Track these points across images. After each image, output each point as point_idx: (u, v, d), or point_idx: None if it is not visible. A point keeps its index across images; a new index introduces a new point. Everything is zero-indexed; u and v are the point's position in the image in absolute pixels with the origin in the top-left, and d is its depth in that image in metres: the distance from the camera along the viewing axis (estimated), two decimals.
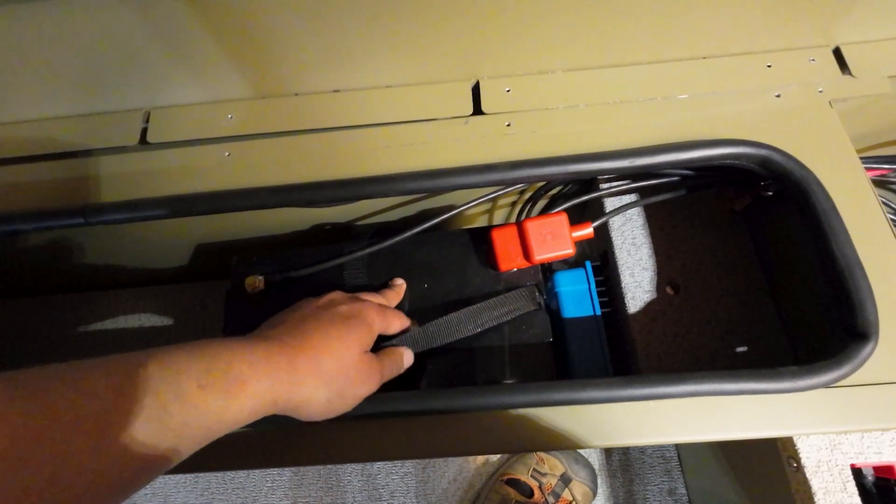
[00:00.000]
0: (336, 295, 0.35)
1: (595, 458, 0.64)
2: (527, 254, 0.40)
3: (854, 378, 0.29)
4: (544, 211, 0.51)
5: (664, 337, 0.45)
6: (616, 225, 0.49)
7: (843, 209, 0.33)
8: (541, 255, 0.39)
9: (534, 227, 0.39)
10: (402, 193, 0.37)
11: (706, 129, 0.38)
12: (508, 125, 0.40)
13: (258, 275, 0.41)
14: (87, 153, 0.43)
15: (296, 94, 0.43)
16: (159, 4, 0.36)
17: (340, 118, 0.42)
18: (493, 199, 0.44)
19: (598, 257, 0.53)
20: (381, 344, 0.36)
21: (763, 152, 0.35)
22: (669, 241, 0.48)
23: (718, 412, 0.30)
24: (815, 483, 0.34)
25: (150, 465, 0.21)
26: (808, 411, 0.29)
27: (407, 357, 0.36)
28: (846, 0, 0.39)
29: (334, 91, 0.43)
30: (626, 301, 0.46)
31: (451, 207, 0.41)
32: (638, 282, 0.47)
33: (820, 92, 0.38)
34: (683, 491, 0.59)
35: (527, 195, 0.51)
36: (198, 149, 0.42)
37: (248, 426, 0.26)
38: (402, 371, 0.35)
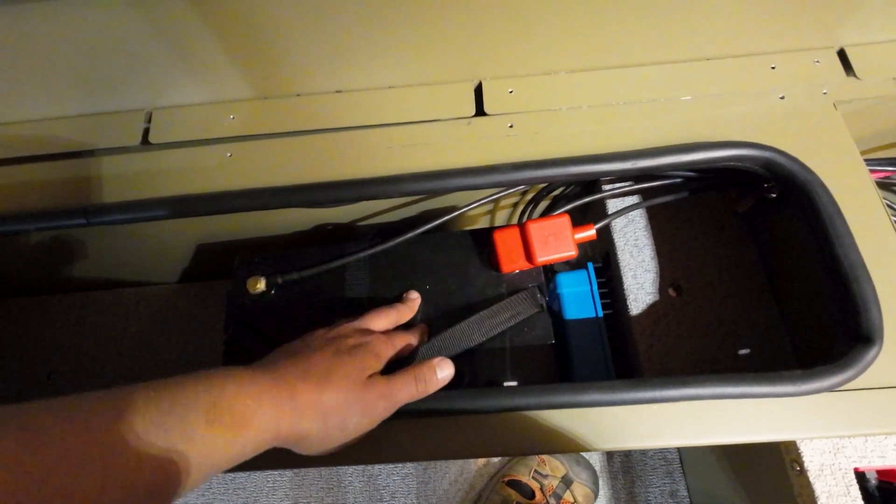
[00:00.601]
0: (345, 328, 0.35)
1: (596, 460, 0.64)
2: (529, 255, 0.39)
3: (858, 382, 0.29)
4: (546, 212, 0.51)
5: (666, 339, 0.45)
6: (618, 226, 0.49)
7: (847, 212, 0.33)
8: (543, 256, 0.39)
9: (536, 229, 0.39)
10: (405, 195, 0.37)
11: (709, 131, 0.38)
12: (511, 126, 0.40)
13: (260, 275, 0.41)
14: (89, 153, 0.43)
15: (298, 95, 0.43)
16: (161, 5, 0.36)
17: (343, 119, 0.42)
18: (496, 201, 0.44)
19: (601, 259, 0.53)
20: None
21: (767, 154, 0.34)
22: (672, 242, 0.48)
23: (721, 415, 0.30)
24: (819, 487, 0.34)
25: (156, 500, 0.22)
26: (811, 415, 0.29)
27: (442, 370, 0.34)
28: (850, 2, 0.39)
29: (336, 92, 0.43)
30: (628, 303, 0.46)
31: (454, 208, 0.41)
32: (640, 283, 0.47)
33: (824, 94, 0.38)
34: (685, 493, 0.59)
35: (529, 196, 0.51)
36: (200, 149, 0.41)
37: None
38: (435, 386, 0.33)
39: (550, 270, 0.49)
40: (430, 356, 0.36)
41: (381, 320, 0.37)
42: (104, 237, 0.49)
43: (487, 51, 0.41)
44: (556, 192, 0.51)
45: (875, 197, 0.34)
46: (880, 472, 0.38)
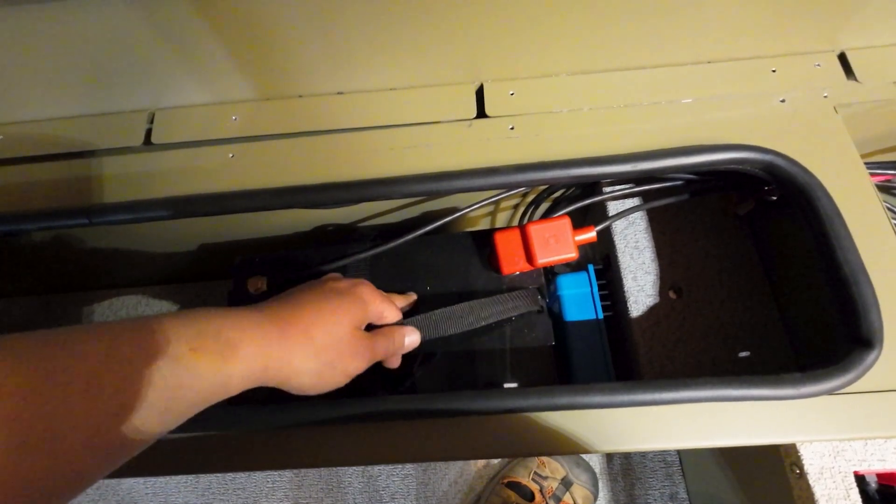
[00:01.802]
0: (335, 275, 0.36)
1: (596, 462, 0.64)
2: (529, 257, 0.40)
3: (858, 385, 0.29)
4: (547, 214, 0.51)
5: (666, 341, 0.45)
6: (619, 228, 0.49)
7: (847, 215, 0.33)
8: (544, 258, 0.39)
9: (537, 231, 0.39)
10: (406, 196, 0.37)
11: (710, 134, 0.38)
12: (512, 128, 0.40)
13: (261, 275, 0.41)
14: (92, 154, 0.43)
15: (300, 96, 0.43)
16: (164, 6, 0.36)
17: (344, 120, 0.42)
18: (497, 202, 0.44)
19: (601, 261, 0.53)
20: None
21: (767, 158, 0.34)
22: (672, 244, 0.48)
23: (721, 418, 0.30)
24: (818, 490, 0.34)
25: (145, 427, 0.22)
26: (811, 418, 0.29)
27: (409, 337, 0.36)
28: (851, 5, 0.39)
29: (338, 93, 0.43)
30: (628, 305, 0.46)
31: (454, 210, 0.41)
32: (640, 286, 0.47)
33: (825, 97, 0.38)
34: (685, 496, 0.59)
35: (529, 198, 0.51)
36: (202, 150, 0.42)
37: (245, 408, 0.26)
38: (400, 350, 0.35)
39: (551, 272, 0.49)
40: (424, 328, 0.37)
41: (391, 305, 0.37)
42: (106, 237, 0.49)
43: (489, 53, 0.41)
44: (556, 194, 0.51)
45: (875, 200, 0.34)
46: (880, 476, 0.38)
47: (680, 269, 0.47)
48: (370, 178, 0.38)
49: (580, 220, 0.46)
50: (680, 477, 0.60)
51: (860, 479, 0.39)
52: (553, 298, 0.48)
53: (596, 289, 0.48)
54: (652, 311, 0.46)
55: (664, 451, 0.62)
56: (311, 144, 0.41)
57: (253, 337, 0.26)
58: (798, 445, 0.34)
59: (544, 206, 0.52)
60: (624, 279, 0.47)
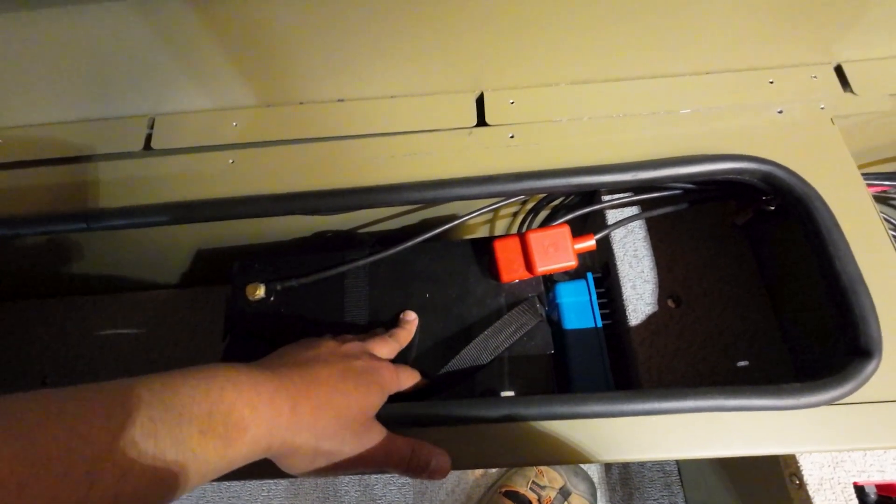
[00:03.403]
0: (354, 347, 0.33)
1: (594, 472, 0.63)
2: (529, 265, 0.40)
3: (857, 395, 0.29)
4: (546, 222, 0.52)
5: (665, 350, 0.45)
6: (618, 237, 0.49)
7: (845, 225, 0.33)
8: (543, 266, 0.39)
9: (536, 239, 0.39)
10: (405, 203, 0.37)
11: (708, 144, 0.38)
12: (512, 137, 0.40)
13: (259, 282, 0.41)
14: (92, 158, 0.43)
15: (301, 103, 0.43)
16: (166, 11, 0.36)
17: (345, 127, 0.42)
18: (496, 210, 0.44)
19: (600, 269, 0.53)
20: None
21: (765, 168, 0.35)
22: (671, 253, 0.48)
23: (720, 428, 0.30)
24: (818, 501, 0.33)
25: None
26: (810, 428, 0.29)
27: (436, 460, 0.31)
28: (848, 18, 0.39)
29: (339, 100, 0.43)
30: (627, 313, 0.46)
31: (454, 217, 0.41)
32: (639, 294, 0.47)
33: (822, 108, 0.39)
34: None
35: (529, 206, 0.51)
36: (202, 156, 0.42)
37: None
38: (423, 474, 0.31)
39: (549, 280, 0.49)
40: (443, 387, 0.36)
41: (384, 348, 0.35)
42: (105, 241, 0.49)
43: (489, 62, 0.41)
44: (555, 203, 0.51)
45: (872, 211, 0.34)
46: (879, 487, 0.38)
47: (678, 278, 0.47)
48: (369, 186, 0.38)
49: (580, 229, 0.46)
50: (679, 487, 0.60)
51: (859, 490, 0.39)
52: (552, 307, 0.48)
53: (595, 297, 0.48)
54: (651, 319, 0.46)
55: (663, 461, 0.62)
56: (312, 151, 0.41)
57: (264, 418, 0.24)
58: (797, 456, 0.34)
59: (543, 214, 0.52)
60: (623, 288, 0.47)
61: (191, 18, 0.37)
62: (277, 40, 0.39)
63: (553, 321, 0.47)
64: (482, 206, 0.42)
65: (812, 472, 0.34)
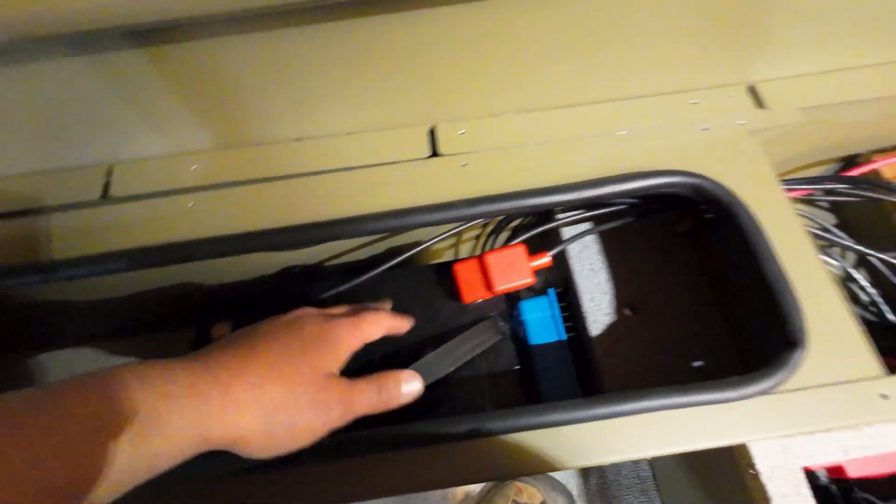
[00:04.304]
0: (305, 311, 0.32)
1: (574, 485, 0.64)
2: (488, 285, 0.41)
3: (790, 384, 0.32)
4: (507, 242, 0.54)
5: (626, 357, 0.47)
6: (574, 252, 0.52)
7: (767, 228, 0.36)
8: (501, 285, 0.41)
9: (493, 260, 0.41)
10: (364, 234, 0.39)
11: (644, 161, 0.41)
12: (464, 165, 0.42)
13: (224, 322, 0.41)
14: (48, 210, 0.43)
15: (259, 144, 0.45)
16: (119, 64, 0.37)
17: (304, 165, 0.44)
18: (458, 234, 0.46)
19: (562, 284, 0.55)
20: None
21: (694, 181, 0.38)
22: (625, 264, 0.51)
23: (673, 425, 0.32)
24: (771, 488, 0.35)
25: None
26: (752, 419, 0.31)
27: (408, 385, 0.31)
28: (758, 44, 0.44)
29: (297, 139, 0.45)
30: (587, 324, 0.48)
31: (417, 244, 0.43)
32: (598, 305, 0.49)
33: (741, 124, 0.42)
34: None
35: (489, 228, 0.53)
36: (161, 200, 0.42)
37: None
38: (395, 401, 0.31)
39: (515, 297, 0.51)
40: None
41: (375, 327, 0.33)
42: (62, 292, 0.48)
43: (439, 96, 0.44)
44: (515, 223, 0.54)
45: (791, 213, 0.38)
46: (829, 470, 0.40)
47: (634, 288, 0.50)
48: (328, 220, 0.39)
49: (540, 246, 0.48)
50: (654, 491, 0.61)
51: (811, 475, 0.41)
52: (518, 323, 0.50)
53: (558, 311, 0.50)
54: (610, 328, 0.48)
55: (638, 466, 0.64)
56: (271, 190, 0.43)
57: (185, 406, 0.22)
58: (750, 447, 0.36)
59: (504, 235, 0.54)
60: (582, 300, 0.49)
61: (144, 69, 0.38)
62: (232, 85, 0.41)
63: (519, 337, 0.49)
64: (442, 231, 0.43)
65: (764, 461, 0.36)
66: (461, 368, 0.41)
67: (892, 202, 0.48)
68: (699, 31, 0.42)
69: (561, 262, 0.52)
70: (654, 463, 0.60)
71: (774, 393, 0.32)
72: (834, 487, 0.41)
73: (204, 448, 0.24)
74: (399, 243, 0.51)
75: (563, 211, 0.50)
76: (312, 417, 0.27)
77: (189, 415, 0.23)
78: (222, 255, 0.38)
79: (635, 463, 0.62)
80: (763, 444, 0.37)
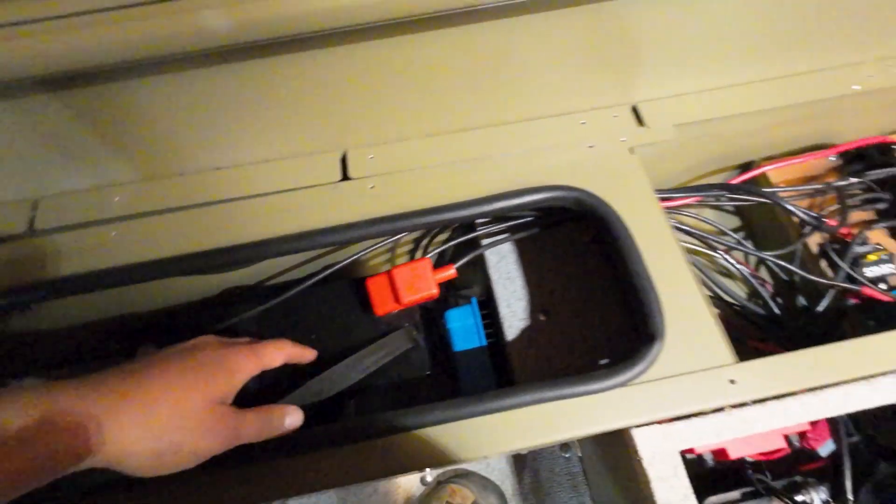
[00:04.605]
0: (205, 339, 0.33)
1: (508, 485, 0.67)
2: (397, 298, 0.44)
3: (651, 374, 0.35)
4: (443, 253, 0.57)
5: (538, 359, 0.50)
6: (493, 262, 0.55)
7: (639, 234, 0.40)
8: (408, 298, 0.44)
9: (400, 274, 0.44)
10: (274, 256, 0.42)
11: (535, 178, 0.45)
12: (372, 187, 0.46)
13: (147, 345, 0.44)
14: None
15: (180, 175, 0.48)
16: (39, 107, 0.40)
17: (223, 192, 0.46)
18: (394, 247, 0.49)
19: (484, 293, 0.59)
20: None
21: (574, 194, 0.42)
22: (539, 272, 0.54)
23: (552, 417, 0.35)
24: (652, 472, 0.39)
25: None
26: (616, 408, 0.35)
27: (290, 418, 0.34)
28: (640, 67, 0.48)
29: (216, 169, 0.48)
30: (504, 330, 0.52)
31: (339, 262, 0.46)
32: (514, 311, 0.52)
33: (622, 141, 0.47)
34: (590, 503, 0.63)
35: (424, 241, 0.56)
36: (85, 231, 0.44)
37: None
38: (277, 432, 0.33)
39: (445, 307, 0.54)
40: (306, 399, 0.39)
41: (276, 354, 0.35)
42: None
43: (350, 125, 0.47)
44: (443, 236, 0.57)
45: (662, 220, 0.42)
46: (715, 452, 0.44)
47: (547, 293, 0.53)
48: (242, 243, 0.42)
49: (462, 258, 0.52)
50: (585, 487, 0.65)
51: (699, 459, 0.45)
52: (444, 332, 0.53)
53: (479, 319, 0.53)
54: (524, 333, 0.51)
55: (569, 463, 0.67)
56: (192, 217, 0.45)
57: (61, 423, 0.23)
58: (633, 434, 0.39)
59: (435, 247, 0.57)
60: (499, 307, 0.53)
61: (63, 111, 0.41)
62: (149, 122, 0.44)
63: (437, 345, 0.52)
64: (359, 249, 0.46)
65: (645, 447, 0.39)
66: (374, 376, 0.44)
67: (779, 206, 0.53)
68: (586, 59, 0.47)
69: (482, 271, 0.55)
70: (584, 459, 0.63)
71: (636, 384, 0.35)
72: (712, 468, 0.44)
73: (90, 463, 0.25)
74: (330, 261, 0.54)
75: (483, 224, 0.54)
76: (199, 442, 0.28)
77: (66, 432, 0.24)
78: (139, 280, 0.40)
79: (567, 460, 0.64)
80: (646, 431, 0.40)
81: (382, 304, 0.45)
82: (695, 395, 0.35)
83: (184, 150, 0.46)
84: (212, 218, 0.45)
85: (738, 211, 0.65)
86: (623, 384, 0.35)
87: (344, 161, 0.48)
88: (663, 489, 0.39)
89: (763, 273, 0.60)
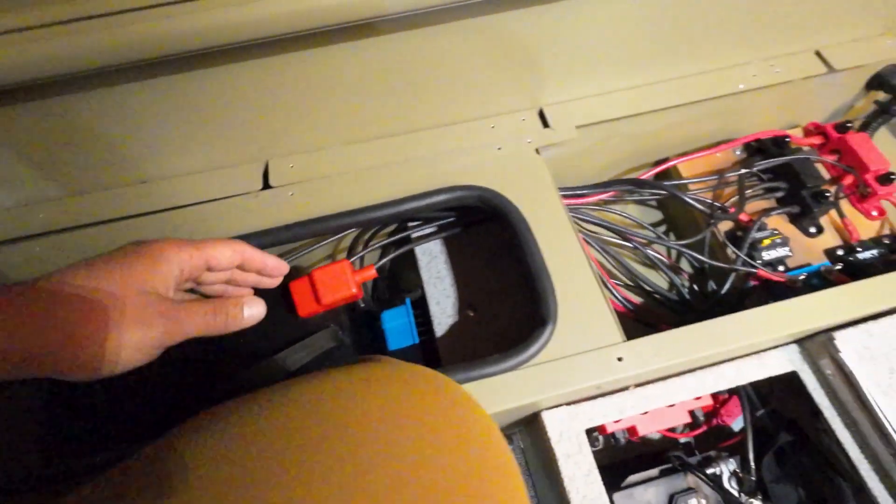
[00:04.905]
0: (131, 242, 0.30)
1: None
2: (318, 299, 0.46)
3: (545, 355, 0.38)
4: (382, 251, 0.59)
5: (465, 353, 0.52)
6: (424, 263, 0.57)
7: (541, 228, 0.43)
8: (328, 299, 0.46)
9: (320, 276, 0.46)
10: None
11: (447, 179, 0.48)
12: (292, 194, 0.48)
13: None
14: None
15: (105, 189, 0.49)
16: None
17: (148, 205, 0.48)
18: (332, 254, 0.51)
19: (420, 292, 0.61)
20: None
21: (477, 193, 0.45)
22: (466, 270, 0.57)
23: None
24: (559, 450, 0.41)
25: None
26: (516, 387, 0.37)
27: (250, 309, 0.31)
28: (546, 74, 0.52)
29: (141, 182, 0.49)
30: (434, 327, 0.54)
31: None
32: (443, 309, 0.55)
33: (528, 142, 0.50)
34: (533, 493, 0.65)
35: (365, 237, 0.58)
36: (7, 248, 0.45)
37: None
38: (234, 323, 0.31)
39: (388, 306, 0.56)
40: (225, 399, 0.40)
41: (223, 249, 0.31)
42: None
43: (271, 135, 0.49)
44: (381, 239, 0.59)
45: (562, 214, 0.45)
46: (628, 430, 0.47)
47: (474, 291, 0.56)
48: None
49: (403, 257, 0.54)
50: (528, 477, 0.66)
51: (611, 437, 0.47)
52: (379, 332, 0.55)
53: (412, 318, 0.55)
54: (452, 329, 0.54)
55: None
56: (117, 229, 0.47)
57: None
58: (543, 416, 0.42)
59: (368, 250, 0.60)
60: (430, 305, 0.55)
61: None
62: (74, 136, 0.45)
63: (370, 344, 0.54)
64: (298, 252, 0.48)
65: (553, 427, 0.42)
66: (298, 373, 0.45)
67: (677, 199, 0.57)
68: (495, 67, 0.50)
69: (415, 272, 0.58)
70: (525, 451, 0.65)
71: (532, 365, 0.38)
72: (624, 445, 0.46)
73: (18, 373, 0.23)
74: None
75: (417, 227, 0.56)
76: (127, 333, 0.25)
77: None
78: None
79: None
80: (554, 413, 0.43)
81: (305, 306, 0.46)
82: (587, 373, 0.38)
83: (109, 164, 0.48)
84: (137, 230, 0.47)
85: (659, 204, 0.69)
86: (517, 367, 0.37)
87: (266, 170, 0.50)
88: (569, 466, 0.41)
89: (684, 262, 0.64)
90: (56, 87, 0.40)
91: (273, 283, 0.38)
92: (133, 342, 0.26)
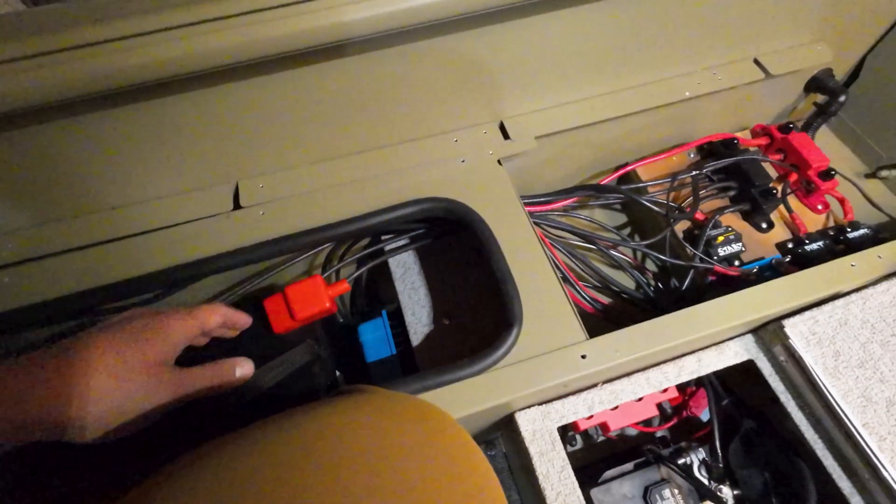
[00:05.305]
0: (136, 311, 0.34)
1: None
2: (293, 315, 0.47)
3: (513, 357, 0.39)
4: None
5: (441, 359, 0.53)
6: (398, 275, 0.59)
7: (505, 234, 0.45)
8: (302, 314, 0.47)
9: (293, 292, 0.47)
10: (177, 284, 0.44)
11: (413, 192, 0.49)
12: (262, 213, 0.49)
13: None
14: None
15: (76, 217, 0.49)
16: None
17: (120, 230, 0.48)
18: (307, 270, 0.52)
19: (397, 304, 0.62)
20: None
21: (443, 204, 0.46)
22: (440, 280, 0.58)
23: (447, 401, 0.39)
24: (533, 449, 0.42)
25: None
26: (486, 389, 0.39)
27: (241, 369, 0.35)
28: (505, 89, 0.54)
29: (113, 208, 0.50)
30: (410, 336, 0.55)
31: (252, 284, 0.48)
32: (418, 319, 0.56)
33: (490, 154, 0.52)
34: (517, 497, 0.66)
35: (341, 251, 0.59)
36: None
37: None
38: (231, 382, 0.35)
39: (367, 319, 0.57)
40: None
41: (212, 315, 0.36)
42: None
43: (240, 157, 0.51)
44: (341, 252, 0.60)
45: (524, 221, 0.47)
46: (602, 426, 0.48)
47: (449, 299, 0.57)
48: (138, 275, 0.44)
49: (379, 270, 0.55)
50: (511, 482, 0.67)
51: (585, 434, 0.49)
52: (357, 345, 0.56)
53: (388, 329, 0.56)
54: (429, 337, 0.55)
55: (494, 460, 0.69)
56: (88, 256, 0.47)
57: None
58: (516, 417, 0.43)
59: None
60: (406, 316, 0.56)
61: None
62: (43, 165, 0.45)
63: (359, 357, 0.54)
64: (273, 269, 0.49)
65: (526, 427, 0.43)
66: (281, 388, 0.45)
67: (633, 201, 0.59)
68: (457, 83, 0.52)
69: (391, 284, 0.59)
70: (508, 456, 0.66)
71: (501, 367, 0.39)
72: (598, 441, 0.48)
73: (27, 436, 0.26)
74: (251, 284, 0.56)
75: (390, 240, 0.57)
76: (143, 402, 0.29)
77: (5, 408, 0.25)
78: (37, 324, 0.41)
79: (492, 458, 0.67)
80: (527, 413, 0.44)
81: (280, 323, 0.47)
82: (553, 372, 0.39)
83: (78, 193, 0.48)
84: (109, 255, 0.47)
85: (623, 208, 0.72)
86: (487, 369, 0.39)
87: (236, 191, 0.51)
88: (543, 463, 0.42)
89: (649, 262, 0.67)
90: (23, 118, 0.41)
91: (234, 334, 0.42)
92: (146, 411, 0.30)
